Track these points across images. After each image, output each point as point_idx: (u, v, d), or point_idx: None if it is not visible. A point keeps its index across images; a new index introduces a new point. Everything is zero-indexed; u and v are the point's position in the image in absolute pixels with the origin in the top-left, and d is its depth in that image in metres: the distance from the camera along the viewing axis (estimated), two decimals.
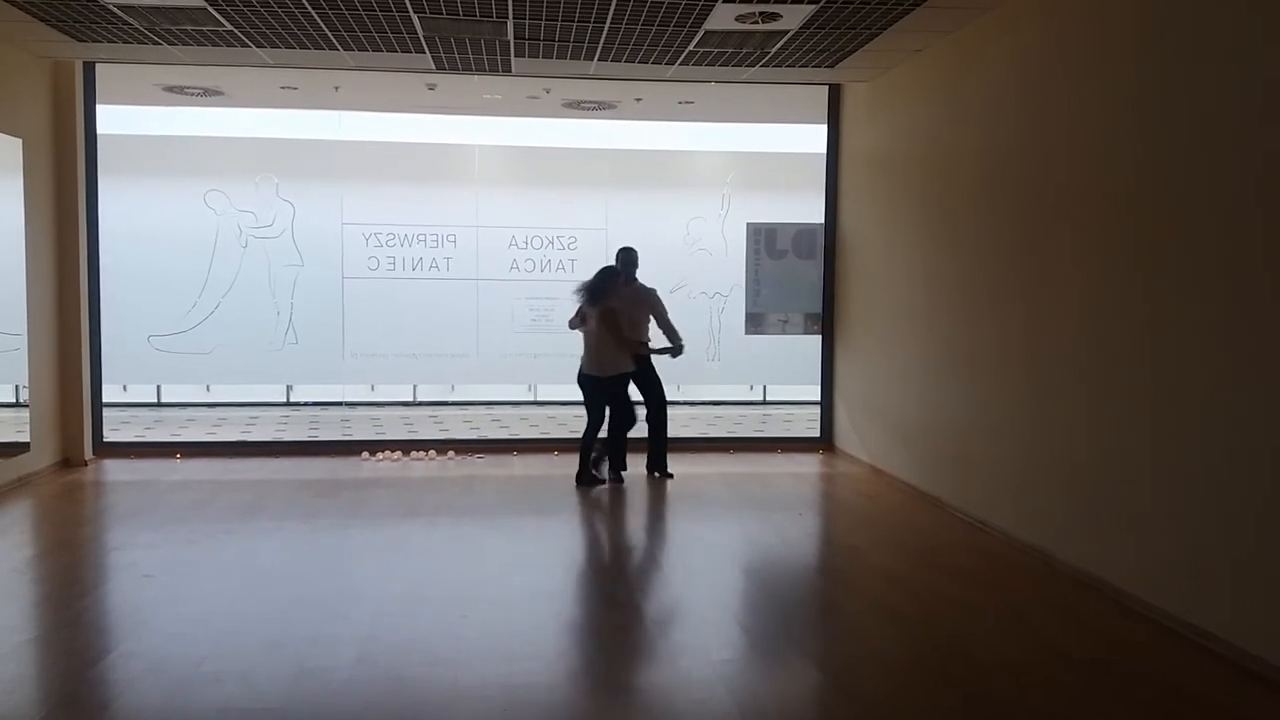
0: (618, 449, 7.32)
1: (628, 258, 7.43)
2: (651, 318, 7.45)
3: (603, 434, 7.28)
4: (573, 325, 7.25)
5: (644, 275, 7.51)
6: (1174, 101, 4.34)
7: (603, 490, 7.13)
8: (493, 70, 7.66)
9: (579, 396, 7.31)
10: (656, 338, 7.47)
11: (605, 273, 7.17)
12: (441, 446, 8.54)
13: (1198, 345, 4.18)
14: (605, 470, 7.33)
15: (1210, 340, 4.11)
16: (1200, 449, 4.16)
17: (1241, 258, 3.94)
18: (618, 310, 7.04)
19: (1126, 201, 4.65)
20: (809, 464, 8.35)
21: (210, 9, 6.08)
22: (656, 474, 7.53)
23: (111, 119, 8.16)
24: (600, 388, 7.09)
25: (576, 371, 7.21)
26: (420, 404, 11.34)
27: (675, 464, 7.71)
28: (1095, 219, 4.89)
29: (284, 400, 11.33)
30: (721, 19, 6.19)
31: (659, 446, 7.56)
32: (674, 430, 7.85)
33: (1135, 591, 4.57)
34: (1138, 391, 4.56)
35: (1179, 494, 4.29)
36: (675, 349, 7.38)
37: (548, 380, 10.09)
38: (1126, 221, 4.65)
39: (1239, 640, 3.94)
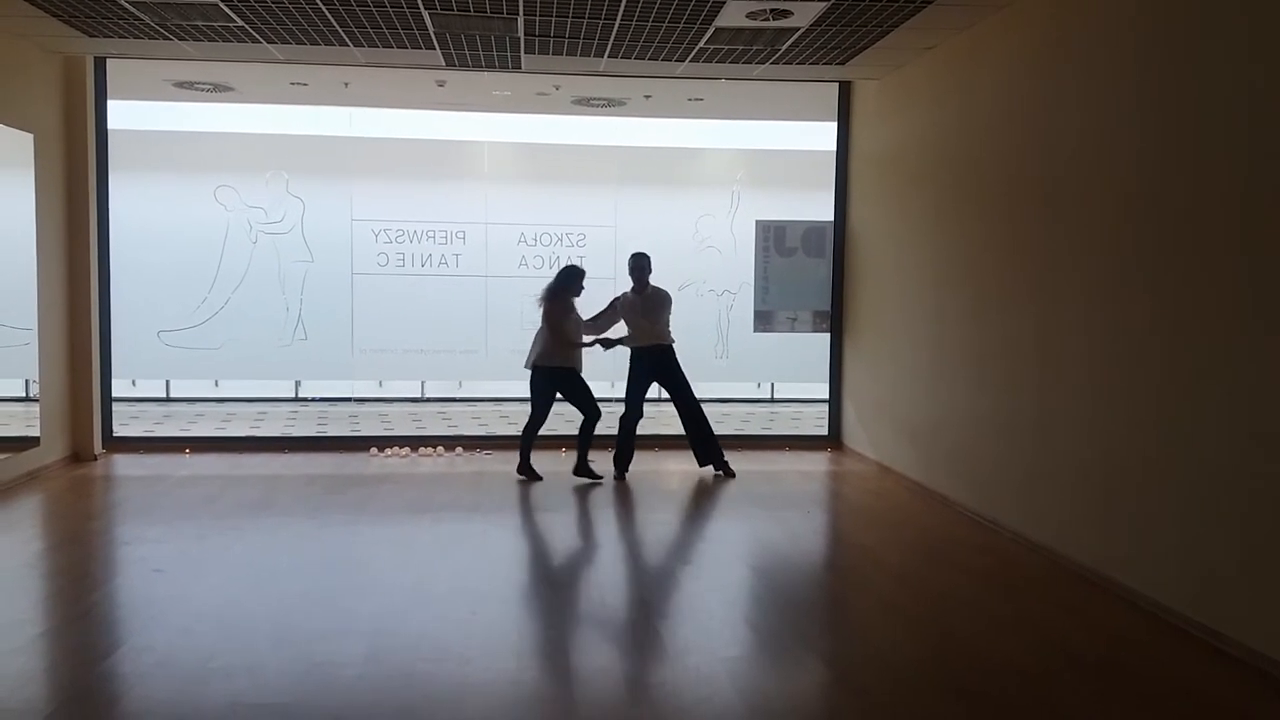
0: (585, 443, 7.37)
1: (638, 263, 7.45)
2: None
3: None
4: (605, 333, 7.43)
5: (653, 275, 7.49)
6: (1185, 98, 4.32)
7: (608, 486, 7.13)
8: (503, 67, 7.66)
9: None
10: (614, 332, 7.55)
11: (567, 272, 7.32)
12: (450, 443, 8.55)
13: (1208, 343, 4.16)
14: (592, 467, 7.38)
15: (1221, 338, 4.09)
16: (1209, 446, 4.15)
17: (1251, 255, 3.92)
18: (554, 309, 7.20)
19: (1137, 199, 4.63)
20: (817, 462, 8.34)
21: (222, 5, 6.09)
22: (719, 471, 7.55)
23: (122, 114, 8.17)
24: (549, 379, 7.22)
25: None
26: (429, 400, 11.36)
27: (683, 461, 7.72)
28: (1105, 217, 4.87)
29: (293, 396, 11.36)
30: (732, 16, 6.18)
31: (710, 443, 7.55)
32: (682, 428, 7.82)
33: (1143, 589, 4.56)
34: (1147, 389, 4.55)
35: (1187, 492, 4.28)
36: (624, 340, 7.44)
37: None
38: (1136, 219, 4.63)
39: (1248, 638, 3.92)
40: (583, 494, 6.94)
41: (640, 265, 7.45)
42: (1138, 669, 3.90)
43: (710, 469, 7.58)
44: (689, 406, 7.49)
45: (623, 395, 7.58)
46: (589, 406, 7.24)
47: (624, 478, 7.38)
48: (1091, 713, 3.51)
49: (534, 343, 7.27)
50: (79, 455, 7.82)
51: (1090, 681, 3.76)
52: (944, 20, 6.18)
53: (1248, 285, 3.95)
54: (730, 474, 7.53)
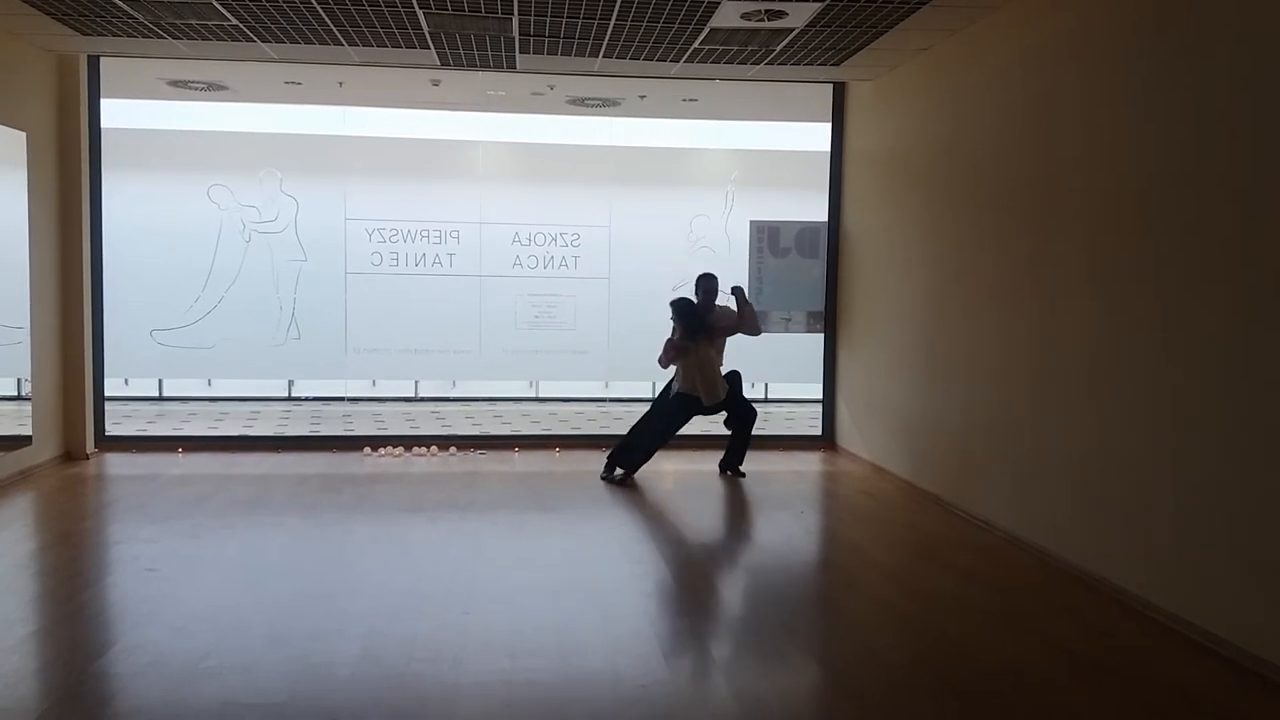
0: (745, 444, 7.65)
1: (709, 284, 7.56)
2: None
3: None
4: (666, 363, 7.44)
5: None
6: (1181, 99, 4.33)
7: (600, 487, 7.13)
8: (497, 66, 7.66)
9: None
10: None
11: (688, 305, 7.39)
12: (443, 442, 8.55)
13: (1201, 344, 4.18)
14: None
15: (1214, 339, 4.11)
16: (1202, 447, 4.16)
17: (1248, 258, 3.94)
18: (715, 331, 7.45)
19: (1132, 201, 4.65)
20: (810, 462, 8.35)
21: (216, 4, 6.08)
22: (730, 472, 7.63)
23: (115, 113, 8.16)
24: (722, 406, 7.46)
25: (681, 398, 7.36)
26: (422, 400, 11.35)
27: (678, 460, 7.73)
28: (1099, 218, 4.89)
29: (286, 395, 11.35)
30: (727, 17, 6.19)
31: (740, 445, 7.69)
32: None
33: (1136, 590, 4.57)
34: (1140, 390, 4.56)
35: (1180, 492, 4.29)
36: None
37: (550, 377, 10.09)
38: (1131, 221, 4.65)
39: (1240, 640, 3.94)
40: (577, 494, 6.94)
41: (711, 288, 7.56)
42: (1130, 669, 3.91)
43: (734, 471, 7.64)
44: (740, 410, 7.57)
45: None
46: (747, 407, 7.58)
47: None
48: (1085, 712, 3.53)
49: (708, 376, 7.32)
50: (71, 454, 7.80)
51: (1084, 681, 3.77)
52: (938, 22, 6.19)
53: (1247, 287, 3.96)
54: (734, 475, 7.57)
